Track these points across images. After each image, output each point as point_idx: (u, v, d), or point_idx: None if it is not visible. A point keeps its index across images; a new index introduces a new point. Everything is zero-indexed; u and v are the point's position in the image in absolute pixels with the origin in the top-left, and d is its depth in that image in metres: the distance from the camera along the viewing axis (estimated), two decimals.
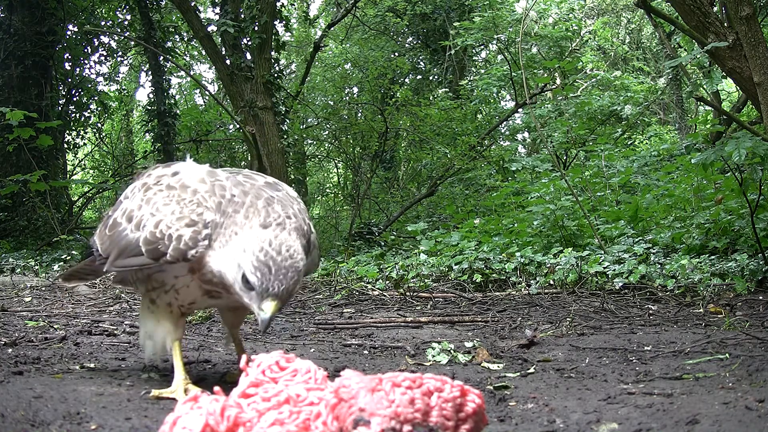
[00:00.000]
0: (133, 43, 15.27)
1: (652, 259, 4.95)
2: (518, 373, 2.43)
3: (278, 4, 11.66)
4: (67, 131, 13.72)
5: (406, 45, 20.73)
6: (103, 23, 14.93)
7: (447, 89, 17.48)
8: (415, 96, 16.75)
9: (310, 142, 18.45)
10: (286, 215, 1.89)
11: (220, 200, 1.92)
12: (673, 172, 7.83)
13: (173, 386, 2.00)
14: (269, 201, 1.93)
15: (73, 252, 7.47)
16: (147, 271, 2.03)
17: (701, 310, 3.81)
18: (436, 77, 19.75)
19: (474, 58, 20.88)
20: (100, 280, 5.86)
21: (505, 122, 15.69)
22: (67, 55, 13.54)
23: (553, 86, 13.68)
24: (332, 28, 16.52)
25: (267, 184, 2.04)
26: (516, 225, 6.79)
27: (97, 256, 2.20)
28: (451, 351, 2.78)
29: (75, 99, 13.78)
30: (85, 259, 2.62)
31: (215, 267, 1.84)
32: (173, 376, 2.05)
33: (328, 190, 22.14)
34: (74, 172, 16.68)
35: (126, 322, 3.65)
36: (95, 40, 14.42)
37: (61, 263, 6.89)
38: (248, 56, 10.97)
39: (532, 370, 2.48)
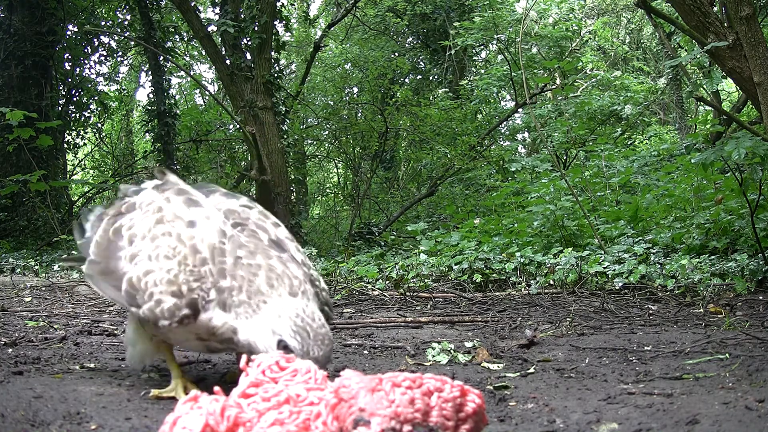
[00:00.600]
0: (133, 43, 15.28)
1: (652, 259, 4.95)
2: (518, 373, 2.43)
3: (278, 4, 11.67)
4: (67, 131, 13.73)
5: (406, 45, 20.74)
6: (103, 23, 14.94)
7: (447, 89, 17.48)
8: (415, 96, 16.76)
9: (310, 142, 18.46)
10: (304, 281, 1.85)
11: (222, 266, 1.82)
12: (673, 172, 7.83)
13: (171, 386, 2.00)
14: (283, 263, 1.86)
15: (73, 252, 7.46)
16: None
17: (701, 310, 3.81)
18: (436, 77, 19.76)
19: (474, 58, 20.89)
20: None
21: (505, 122, 15.70)
22: (67, 55, 13.55)
23: (553, 86, 13.69)
24: (332, 28, 16.53)
25: (271, 243, 1.94)
26: (516, 225, 6.80)
27: (83, 248, 2.13)
28: (451, 351, 2.78)
29: (75, 99, 13.79)
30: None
31: (243, 338, 1.76)
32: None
33: (328, 190, 22.16)
34: (74, 172, 16.69)
35: (126, 322, 3.65)
36: (95, 40, 14.43)
37: (61, 263, 6.89)
38: (248, 56, 10.98)
39: (532, 370, 2.48)
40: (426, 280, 5.29)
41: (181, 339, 1.91)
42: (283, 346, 1.69)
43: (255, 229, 1.97)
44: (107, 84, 16.64)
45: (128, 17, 14.95)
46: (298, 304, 1.74)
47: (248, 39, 10.84)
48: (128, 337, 2.09)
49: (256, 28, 10.71)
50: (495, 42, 15.42)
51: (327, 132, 16.88)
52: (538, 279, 4.94)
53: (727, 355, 2.53)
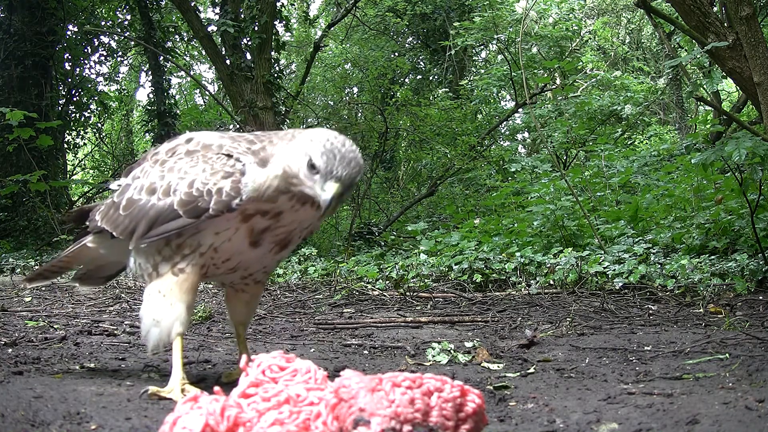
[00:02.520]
0: (133, 43, 15.28)
1: (652, 259, 4.95)
2: (518, 373, 2.43)
3: (278, 4, 11.66)
4: (67, 131, 13.72)
5: (406, 45, 20.74)
6: (103, 23, 14.93)
7: (447, 89, 17.48)
8: (415, 96, 16.75)
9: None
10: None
11: (248, 146, 2.00)
12: (673, 172, 7.82)
13: (170, 385, 1.99)
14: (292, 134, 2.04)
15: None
16: (177, 241, 2.01)
17: (701, 310, 3.81)
18: (436, 77, 19.76)
19: (474, 58, 20.89)
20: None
21: (505, 122, 15.70)
22: (67, 55, 13.54)
23: (553, 86, 13.69)
24: (332, 28, 16.52)
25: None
26: (516, 225, 6.79)
27: (111, 237, 2.19)
28: (451, 351, 2.78)
29: (75, 99, 13.78)
30: (66, 253, 2.55)
31: (280, 167, 1.90)
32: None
33: None
34: (74, 172, 16.68)
35: (126, 322, 3.65)
36: (95, 40, 14.42)
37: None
38: (248, 56, 10.97)
39: (532, 370, 2.48)
40: (426, 280, 5.29)
41: (232, 247, 2.01)
42: (311, 164, 1.85)
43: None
44: (107, 84, 16.65)
45: (128, 17, 14.95)
46: (329, 133, 1.90)
47: (248, 39, 10.83)
48: (151, 318, 2.04)
49: (256, 28, 10.70)
50: (495, 42, 15.42)
51: None
52: (538, 279, 4.94)
53: (727, 355, 2.53)
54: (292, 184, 1.90)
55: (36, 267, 7.12)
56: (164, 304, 2.03)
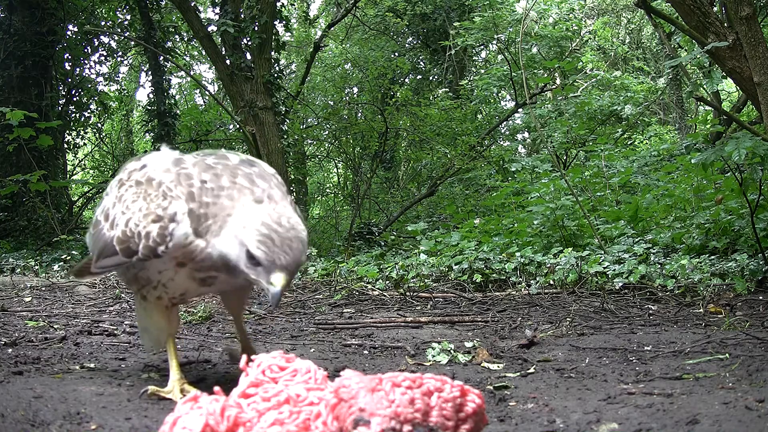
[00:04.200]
0: (133, 43, 15.27)
1: (652, 259, 4.95)
2: (518, 373, 2.43)
3: (278, 4, 11.66)
4: (67, 131, 13.72)
5: (406, 45, 20.74)
6: (103, 23, 14.93)
7: (447, 89, 17.49)
8: (415, 96, 16.75)
9: (310, 142, 18.45)
10: (270, 188, 1.87)
11: (190, 189, 1.85)
12: (673, 172, 7.82)
13: (169, 386, 2.01)
14: (249, 178, 1.88)
15: (73, 252, 7.46)
16: (132, 270, 2.02)
17: (701, 310, 3.81)
18: (436, 77, 19.76)
19: (474, 58, 20.89)
20: (100, 280, 5.86)
21: (505, 122, 15.70)
22: (67, 55, 13.53)
23: (553, 86, 13.69)
24: (332, 28, 16.52)
25: (242, 162, 1.97)
26: (516, 225, 6.79)
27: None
28: (451, 351, 2.78)
29: (75, 99, 13.77)
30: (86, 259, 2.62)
31: (215, 253, 1.79)
32: None
33: (328, 190, 22.15)
34: (74, 172, 16.68)
35: (126, 322, 3.65)
36: (95, 40, 14.41)
37: (61, 263, 6.89)
38: (248, 56, 10.97)
39: (532, 370, 2.48)
40: (426, 280, 5.29)
41: (173, 276, 1.94)
42: (250, 256, 1.70)
43: (226, 153, 2.03)
44: (107, 84, 16.63)
45: (128, 17, 14.93)
46: (263, 210, 1.73)
47: (248, 39, 10.83)
48: (140, 323, 2.16)
49: (256, 28, 10.70)
50: (495, 42, 15.41)
51: (327, 132, 16.87)
52: (538, 279, 4.94)
53: (727, 355, 2.53)
54: (233, 269, 1.78)
55: (36, 267, 7.12)
56: (147, 316, 2.10)
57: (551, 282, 4.89)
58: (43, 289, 5.37)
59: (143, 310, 2.10)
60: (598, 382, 2.23)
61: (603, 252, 5.21)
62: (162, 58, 13.51)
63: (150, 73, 14.80)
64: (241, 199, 1.80)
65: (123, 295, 4.74)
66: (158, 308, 2.06)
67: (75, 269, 2.78)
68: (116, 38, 15.16)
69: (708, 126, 9.01)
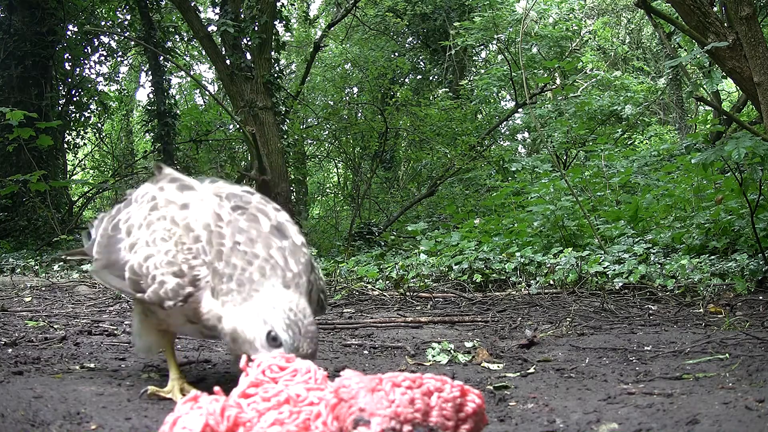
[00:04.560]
0: (133, 43, 15.27)
1: (652, 259, 4.95)
2: (518, 373, 2.43)
3: (278, 4, 11.67)
4: (67, 131, 13.73)
5: (406, 45, 20.75)
6: (103, 23, 14.94)
7: (447, 89, 17.49)
8: (415, 96, 16.76)
9: (310, 142, 18.46)
10: (299, 275, 1.81)
11: (220, 249, 1.80)
12: (673, 172, 7.83)
13: (168, 386, 2.00)
14: (283, 254, 1.82)
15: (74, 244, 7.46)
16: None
17: (701, 310, 3.81)
18: (436, 77, 19.77)
19: (474, 58, 20.89)
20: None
21: (505, 122, 15.71)
22: (67, 55, 13.54)
23: (553, 86, 13.69)
24: (332, 28, 16.54)
25: (273, 230, 1.89)
26: (516, 225, 6.80)
27: (89, 250, 2.18)
28: (451, 351, 2.78)
29: (75, 99, 13.78)
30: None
31: (227, 325, 1.73)
32: None
33: (328, 190, 22.16)
34: (74, 172, 16.69)
35: (126, 322, 3.65)
36: (95, 40, 14.42)
37: (61, 263, 6.89)
38: (248, 56, 10.98)
39: (532, 370, 2.48)
40: (426, 280, 5.29)
41: (179, 323, 1.91)
42: (272, 337, 1.66)
43: (256, 213, 1.92)
44: (107, 84, 16.64)
45: (128, 17, 14.95)
46: (291, 298, 1.71)
47: (248, 39, 10.83)
48: (134, 328, 2.13)
49: (256, 28, 10.70)
50: (495, 42, 15.42)
51: (327, 132, 16.88)
52: (538, 279, 4.94)
53: (727, 355, 2.53)
54: (241, 349, 1.70)
55: (36, 267, 7.12)
56: (142, 328, 2.08)
57: (551, 282, 4.89)
58: (43, 289, 5.37)
59: (139, 322, 2.06)
60: (598, 382, 2.23)
61: (603, 252, 5.21)
62: (162, 58, 13.51)
63: (150, 73, 14.81)
64: (272, 278, 1.75)
65: (123, 296, 4.74)
66: (156, 329, 2.04)
67: (71, 253, 2.77)
68: (116, 38, 15.18)
69: (708, 126, 9.02)
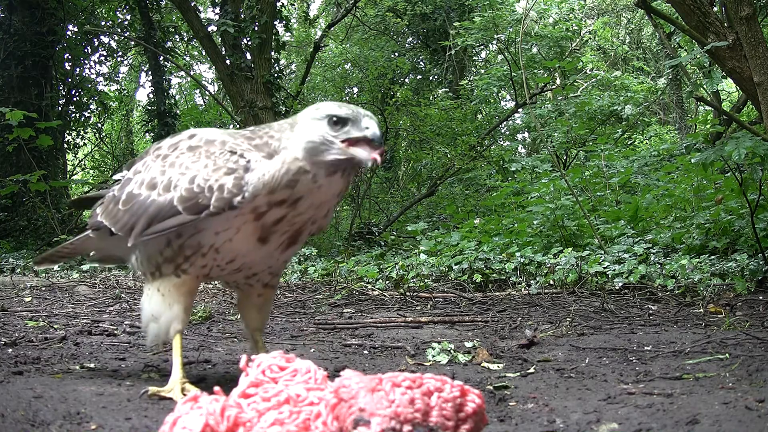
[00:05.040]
0: (133, 43, 15.28)
1: (652, 259, 4.95)
2: (518, 373, 2.43)
3: (278, 4, 11.66)
4: (67, 131, 13.72)
5: (406, 45, 20.74)
6: (103, 23, 14.93)
7: (447, 89, 17.49)
8: (415, 96, 16.75)
9: None
10: None
11: (245, 134, 1.99)
12: (673, 172, 7.83)
13: (170, 385, 1.99)
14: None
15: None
16: (178, 242, 1.98)
17: (701, 310, 3.81)
18: (436, 77, 19.76)
19: (474, 58, 20.89)
20: (100, 280, 5.87)
21: (505, 122, 15.70)
22: (67, 55, 13.54)
23: (553, 86, 13.69)
24: (332, 28, 16.52)
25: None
26: (516, 225, 6.79)
27: (109, 232, 2.16)
28: (451, 351, 2.78)
29: (75, 99, 13.78)
30: (72, 240, 2.56)
31: (299, 148, 1.87)
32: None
33: None
34: (74, 172, 16.69)
35: (126, 322, 3.65)
36: (95, 40, 14.42)
37: (61, 263, 6.88)
38: (248, 56, 10.97)
39: (532, 370, 2.48)
40: (426, 280, 5.29)
41: (235, 247, 1.97)
42: (334, 122, 1.86)
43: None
44: (107, 84, 16.65)
45: (128, 17, 14.95)
46: (324, 102, 1.95)
47: (248, 39, 10.83)
48: (150, 313, 2.07)
49: (256, 28, 10.70)
50: (495, 42, 15.41)
51: None
52: (538, 279, 4.94)
53: (727, 355, 2.53)
54: (319, 153, 1.86)
55: (36, 267, 7.12)
56: (163, 303, 2.04)
57: (551, 282, 4.89)
58: (43, 289, 5.37)
59: (161, 297, 2.04)
60: (598, 382, 2.23)
61: (603, 252, 5.21)
62: (162, 58, 13.51)
63: (150, 73, 14.81)
64: (295, 120, 1.95)
65: (123, 295, 4.74)
66: (186, 288, 2.03)
67: (37, 259, 2.77)
68: (116, 38, 15.18)
69: (708, 126, 9.01)
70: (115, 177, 2.28)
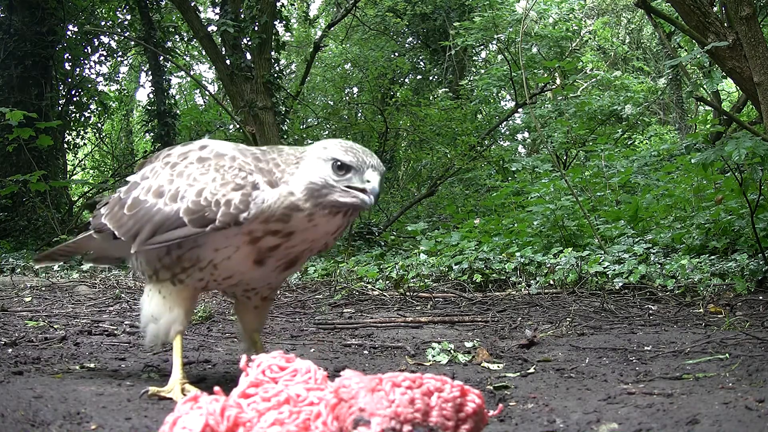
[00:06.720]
0: (133, 43, 15.27)
1: (652, 259, 4.95)
2: (518, 373, 2.43)
3: (278, 4, 11.66)
4: (67, 131, 13.72)
5: (406, 45, 20.74)
6: (103, 23, 14.93)
7: (447, 89, 17.47)
8: (415, 96, 16.75)
9: (310, 142, 18.45)
10: None
11: (254, 154, 1.98)
12: (673, 172, 7.83)
13: (170, 385, 1.99)
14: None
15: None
16: (177, 252, 1.97)
17: (701, 310, 3.81)
18: (436, 77, 19.76)
19: (474, 58, 20.88)
20: (100, 280, 5.87)
21: (505, 122, 15.68)
22: (67, 55, 13.53)
23: (553, 86, 13.68)
24: (332, 28, 16.52)
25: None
26: (516, 225, 6.79)
27: (112, 236, 2.15)
28: (451, 351, 2.78)
29: (75, 99, 13.78)
30: (74, 239, 2.57)
31: (299, 187, 1.86)
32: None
33: None
34: (74, 172, 16.68)
35: (126, 322, 3.65)
36: (95, 40, 14.42)
37: (61, 263, 6.88)
38: (248, 56, 10.97)
39: (532, 370, 2.48)
40: (426, 280, 5.29)
41: (233, 265, 1.96)
42: (338, 167, 1.85)
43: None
44: (107, 84, 16.65)
45: (128, 17, 14.95)
46: (335, 140, 1.93)
47: (248, 39, 10.82)
48: (149, 314, 2.07)
49: (256, 28, 10.69)
50: (495, 42, 15.41)
51: (327, 132, 16.88)
52: (538, 279, 4.94)
53: (727, 355, 2.53)
54: (321, 196, 1.86)
55: (36, 267, 7.11)
56: (164, 305, 2.05)
57: (551, 282, 4.89)
58: (43, 289, 5.37)
59: (162, 299, 2.04)
60: (598, 382, 2.23)
61: (603, 252, 5.21)
62: (162, 58, 13.51)
63: (150, 73, 14.81)
64: (303, 154, 1.95)
65: (123, 295, 4.74)
66: (184, 294, 2.03)
67: (38, 257, 2.78)
68: (116, 38, 15.17)
69: (708, 126, 9.02)
70: (129, 178, 2.26)
